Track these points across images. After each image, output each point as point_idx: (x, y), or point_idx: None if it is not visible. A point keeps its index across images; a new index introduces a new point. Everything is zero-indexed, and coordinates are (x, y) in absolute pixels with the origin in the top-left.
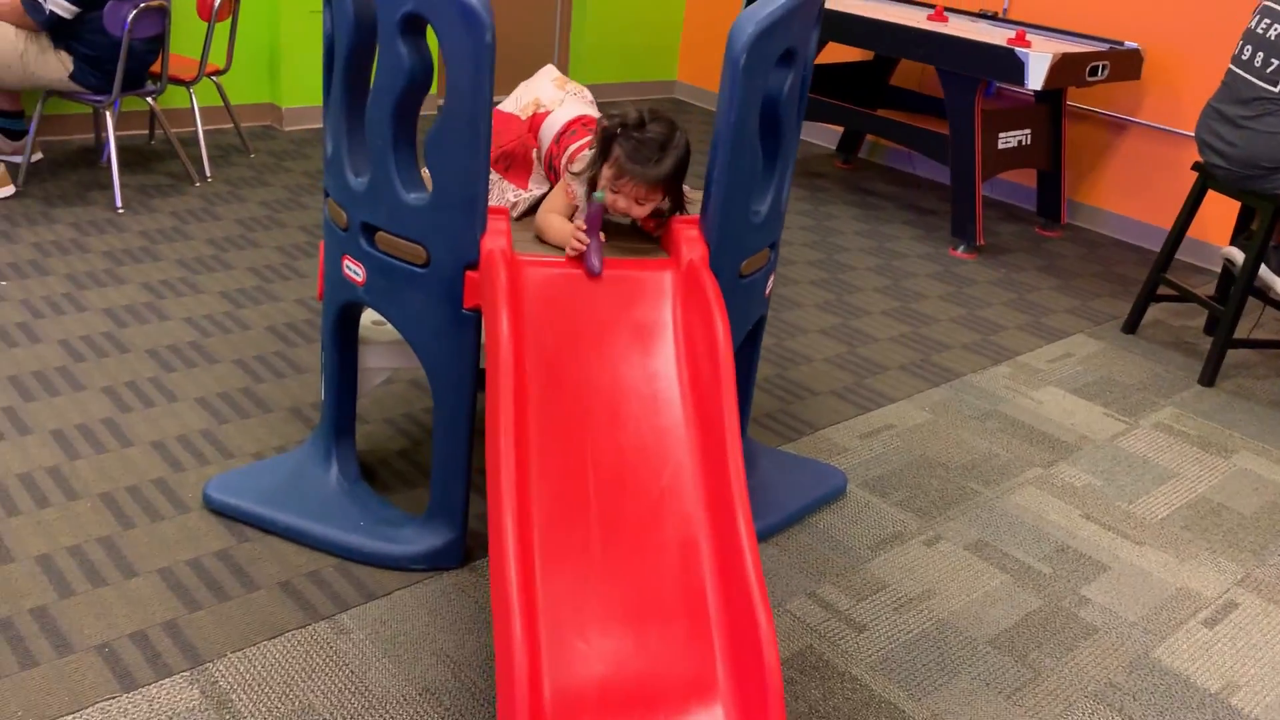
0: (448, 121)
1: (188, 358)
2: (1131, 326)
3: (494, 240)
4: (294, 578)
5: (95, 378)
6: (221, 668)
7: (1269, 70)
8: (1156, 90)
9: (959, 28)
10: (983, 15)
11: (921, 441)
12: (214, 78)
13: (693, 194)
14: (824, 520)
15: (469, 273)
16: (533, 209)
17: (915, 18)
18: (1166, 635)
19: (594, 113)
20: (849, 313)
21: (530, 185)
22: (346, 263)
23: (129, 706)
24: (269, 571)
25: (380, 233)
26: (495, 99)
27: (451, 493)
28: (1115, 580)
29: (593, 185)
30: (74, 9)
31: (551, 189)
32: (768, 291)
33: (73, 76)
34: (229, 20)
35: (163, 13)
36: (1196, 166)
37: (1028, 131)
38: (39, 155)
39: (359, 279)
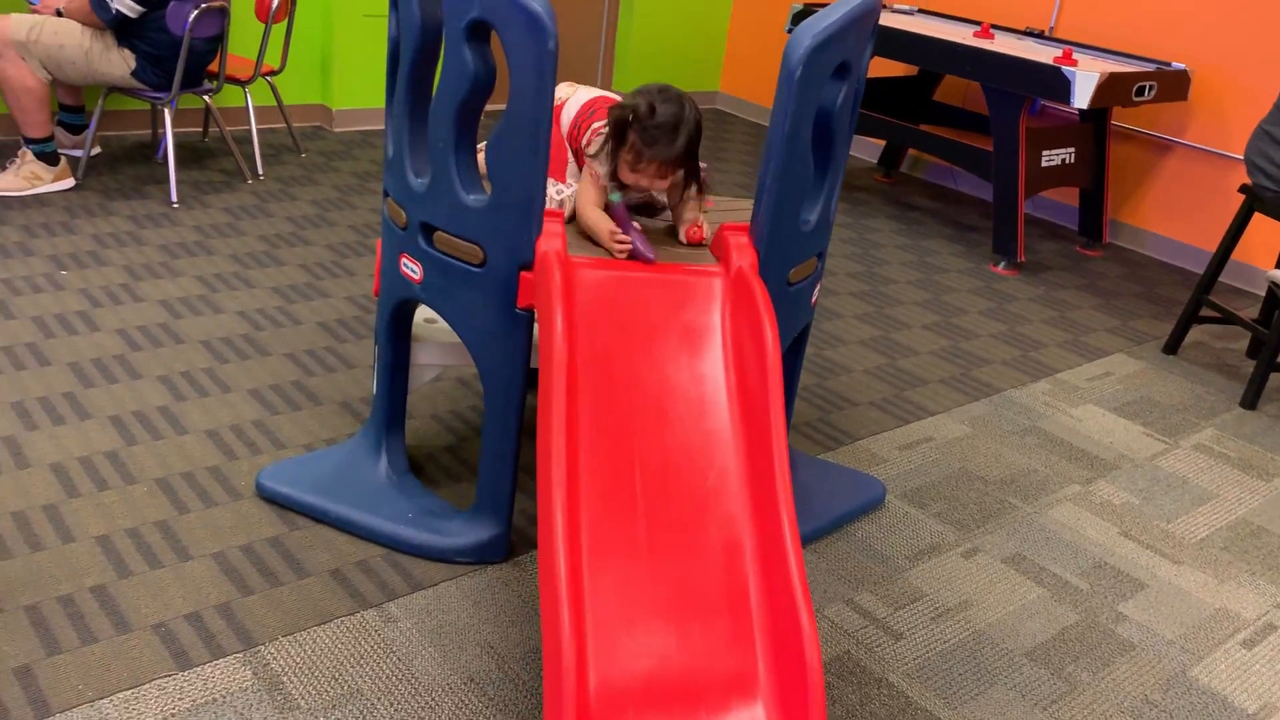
0: (510, 125)
1: (240, 350)
2: (1172, 347)
3: (549, 242)
4: (344, 566)
5: (151, 367)
6: (273, 650)
7: None
8: (1203, 112)
9: (1005, 45)
10: (1029, 33)
11: (960, 455)
12: (268, 78)
13: (740, 202)
14: (862, 529)
15: (523, 273)
16: None
17: (961, 34)
18: (1204, 655)
19: (609, 94)
20: (889, 325)
21: (568, 179)
22: (404, 261)
23: (185, 685)
24: (319, 559)
25: (439, 232)
26: None
27: (498, 488)
28: (1153, 598)
29: (611, 177)
30: (139, 8)
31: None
32: (814, 300)
33: (134, 74)
34: (285, 22)
35: (223, 13)
36: (1244, 189)
37: (1071, 150)
38: (97, 150)
39: (416, 277)
